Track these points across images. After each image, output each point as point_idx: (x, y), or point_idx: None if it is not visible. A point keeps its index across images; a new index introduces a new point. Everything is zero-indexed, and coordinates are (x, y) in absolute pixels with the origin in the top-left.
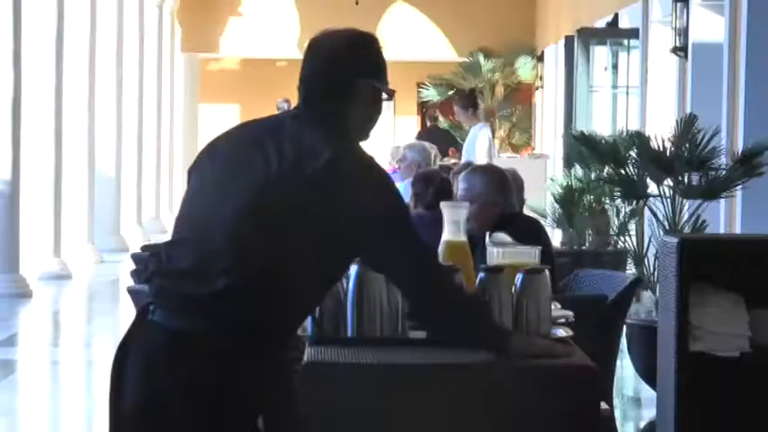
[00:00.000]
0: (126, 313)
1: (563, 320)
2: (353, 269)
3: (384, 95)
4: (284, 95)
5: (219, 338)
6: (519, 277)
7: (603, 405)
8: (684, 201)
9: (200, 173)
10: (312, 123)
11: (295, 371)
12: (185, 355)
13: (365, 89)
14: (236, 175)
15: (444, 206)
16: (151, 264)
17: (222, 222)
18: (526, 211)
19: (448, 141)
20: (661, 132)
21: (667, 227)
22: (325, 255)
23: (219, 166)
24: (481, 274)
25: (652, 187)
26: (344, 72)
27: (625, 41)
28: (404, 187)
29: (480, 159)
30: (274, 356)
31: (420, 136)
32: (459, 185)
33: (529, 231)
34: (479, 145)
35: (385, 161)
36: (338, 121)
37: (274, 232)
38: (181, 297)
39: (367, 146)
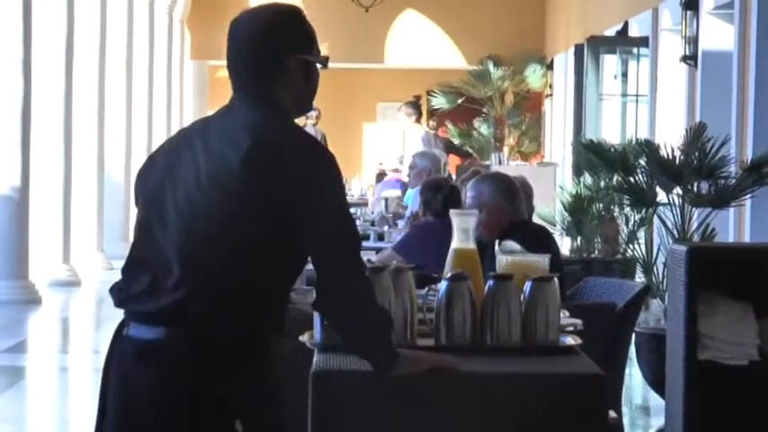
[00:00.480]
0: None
1: (572, 328)
2: None
3: (319, 66)
4: None
5: (184, 347)
6: (528, 285)
7: (612, 413)
8: (693, 209)
9: (141, 187)
10: (242, 110)
11: (276, 375)
12: (153, 365)
13: (295, 65)
14: (173, 183)
15: (453, 214)
16: (118, 290)
17: (166, 236)
18: (535, 219)
19: (447, 150)
20: (670, 141)
21: (676, 235)
22: (271, 246)
23: (155, 178)
24: (490, 282)
25: (661, 195)
26: (271, 52)
27: (635, 50)
28: (413, 195)
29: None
30: (248, 360)
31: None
32: (468, 193)
33: (537, 239)
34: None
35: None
36: (267, 105)
37: (217, 236)
38: (143, 314)
39: (378, 155)
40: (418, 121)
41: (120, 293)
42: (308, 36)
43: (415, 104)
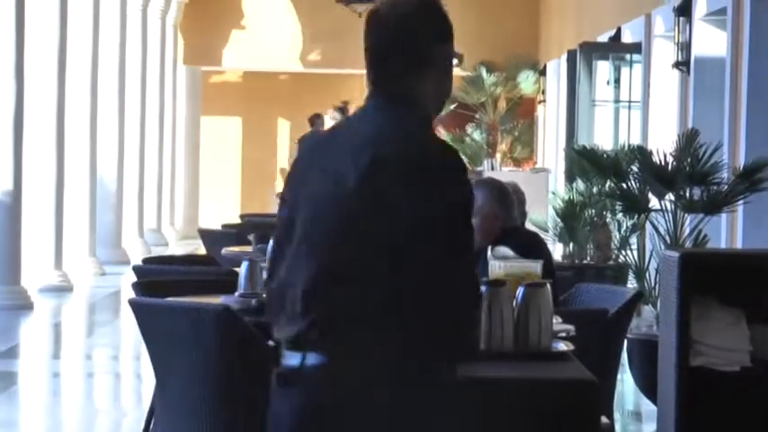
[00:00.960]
0: (127, 325)
1: (564, 334)
2: None
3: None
4: (288, 109)
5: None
6: (521, 291)
7: (604, 419)
8: (686, 215)
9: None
10: (382, 111)
11: None
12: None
13: (440, 58)
14: (324, 198)
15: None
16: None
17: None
18: (528, 225)
19: None
20: (663, 147)
21: (668, 241)
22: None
23: (307, 196)
24: (483, 288)
25: (653, 201)
26: (419, 42)
27: (627, 56)
28: None
29: None
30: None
31: None
32: None
33: (530, 245)
34: None
35: None
36: (406, 103)
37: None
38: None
39: None
40: None
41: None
42: (450, 27)
43: (342, 110)
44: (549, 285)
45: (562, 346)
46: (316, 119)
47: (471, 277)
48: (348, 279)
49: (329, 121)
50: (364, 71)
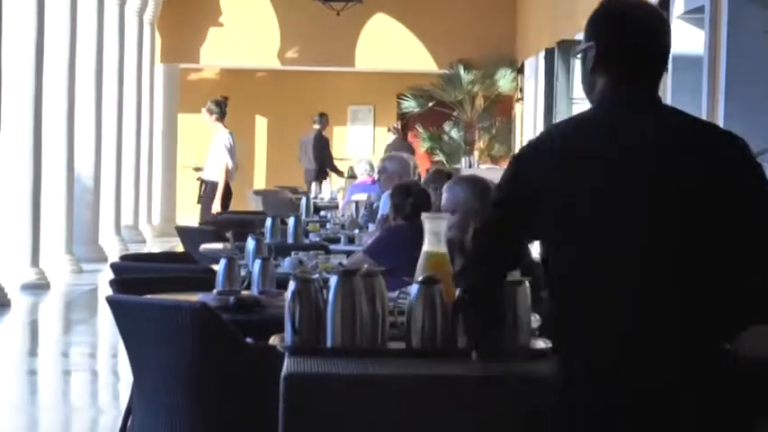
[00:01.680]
0: (104, 323)
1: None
2: (333, 280)
3: None
4: (266, 107)
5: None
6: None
7: None
8: None
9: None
10: (665, 111)
11: None
12: None
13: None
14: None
15: (425, 217)
16: None
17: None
18: None
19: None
20: None
21: None
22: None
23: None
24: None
25: None
26: (669, 43)
27: None
28: (383, 198)
29: (218, 161)
30: None
31: (387, 148)
32: (444, 195)
33: None
34: (216, 147)
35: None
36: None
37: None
38: None
39: (349, 158)
40: (219, 120)
41: None
42: None
43: (218, 103)
44: (527, 283)
45: (541, 345)
46: (321, 118)
47: None
48: None
49: (206, 114)
50: (343, 69)
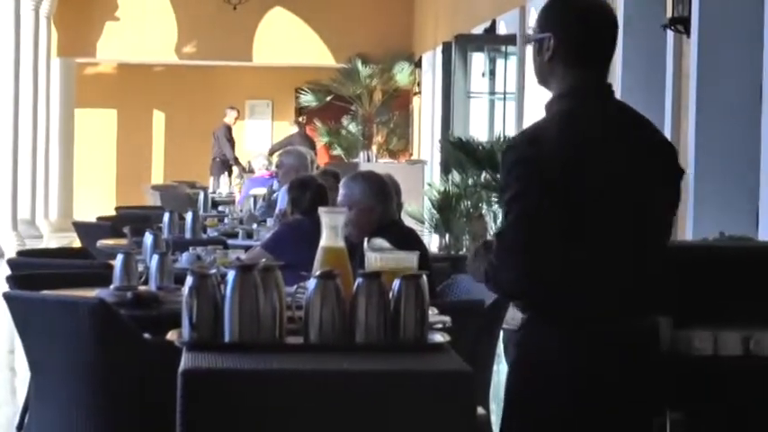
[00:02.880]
0: (0, 319)
1: (440, 326)
2: (231, 275)
3: None
4: (164, 101)
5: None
6: (397, 283)
7: (480, 410)
8: None
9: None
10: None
11: None
12: None
13: None
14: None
15: (322, 212)
16: None
17: None
18: (404, 217)
19: (310, 148)
20: None
21: None
22: None
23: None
24: (359, 280)
25: None
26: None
27: (502, 48)
28: (281, 193)
29: None
30: None
31: (283, 143)
32: (340, 191)
33: (406, 241)
34: None
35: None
36: None
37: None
38: None
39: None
40: None
41: None
42: None
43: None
44: (425, 277)
45: (438, 338)
46: (230, 111)
47: None
48: None
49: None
50: (241, 63)
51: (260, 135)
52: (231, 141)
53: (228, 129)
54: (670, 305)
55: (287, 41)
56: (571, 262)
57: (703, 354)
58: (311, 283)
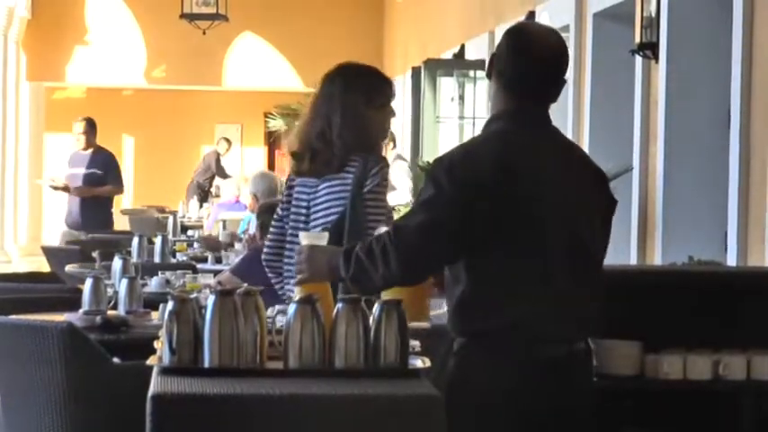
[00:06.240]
0: None
1: (418, 350)
2: (211, 299)
3: None
4: (133, 125)
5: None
6: (377, 308)
7: None
8: None
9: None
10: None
11: None
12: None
13: None
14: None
15: (303, 236)
16: None
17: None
18: None
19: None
20: None
21: None
22: None
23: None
24: (339, 305)
25: None
26: (567, 65)
27: (471, 72)
28: (250, 218)
29: None
30: None
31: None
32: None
33: None
34: None
35: (230, 193)
36: None
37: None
38: None
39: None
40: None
41: None
42: None
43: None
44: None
45: (419, 363)
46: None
47: None
48: None
49: None
50: (210, 88)
51: (229, 159)
52: (219, 169)
53: (218, 156)
54: (599, 329)
55: (256, 66)
56: (498, 283)
57: (672, 378)
58: (291, 308)
